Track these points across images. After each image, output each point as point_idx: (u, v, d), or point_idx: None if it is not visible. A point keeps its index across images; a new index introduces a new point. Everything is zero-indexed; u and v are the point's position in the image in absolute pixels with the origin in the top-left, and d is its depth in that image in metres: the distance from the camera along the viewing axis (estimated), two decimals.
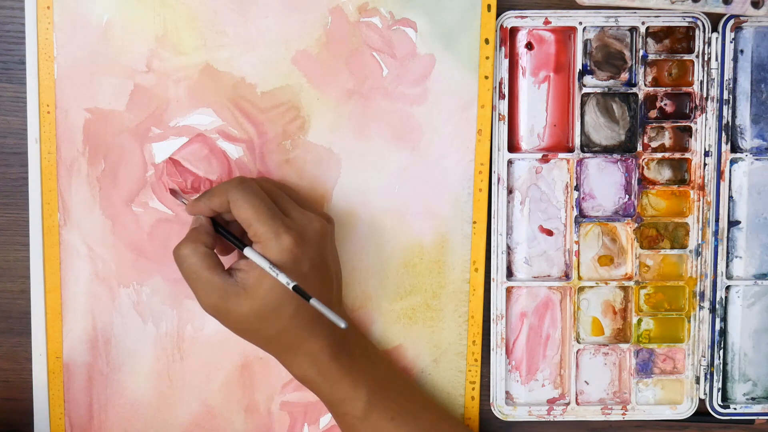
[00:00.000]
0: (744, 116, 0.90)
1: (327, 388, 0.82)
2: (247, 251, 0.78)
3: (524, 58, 0.89)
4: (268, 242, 0.78)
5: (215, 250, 0.81)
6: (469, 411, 0.91)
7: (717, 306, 0.90)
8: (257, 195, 0.79)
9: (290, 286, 0.76)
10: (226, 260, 0.84)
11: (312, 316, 0.80)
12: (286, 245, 0.78)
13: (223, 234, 0.81)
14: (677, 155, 0.89)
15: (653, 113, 0.89)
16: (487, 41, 0.86)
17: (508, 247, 0.90)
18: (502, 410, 0.91)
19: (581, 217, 0.90)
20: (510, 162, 0.89)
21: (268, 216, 0.78)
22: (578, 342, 0.91)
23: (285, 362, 0.83)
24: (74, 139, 0.85)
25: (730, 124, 0.89)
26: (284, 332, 0.80)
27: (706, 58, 0.88)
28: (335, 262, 0.84)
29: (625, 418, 0.92)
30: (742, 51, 0.89)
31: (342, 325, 0.74)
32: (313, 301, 0.76)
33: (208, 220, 0.81)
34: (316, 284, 0.80)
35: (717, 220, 0.89)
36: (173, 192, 0.86)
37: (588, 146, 0.89)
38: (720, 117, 0.89)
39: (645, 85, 0.88)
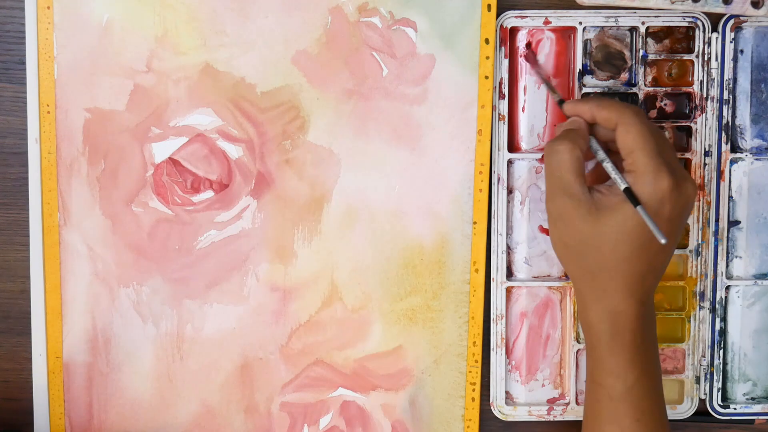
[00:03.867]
0: (744, 116, 0.90)
1: (605, 352, 0.79)
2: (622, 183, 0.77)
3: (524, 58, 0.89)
4: (644, 175, 0.76)
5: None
6: (470, 412, 0.91)
7: (717, 306, 0.90)
8: (651, 127, 0.77)
9: (622, 187, 0.75)
10: None
11: (640, 273, 0.77)
12: (663, 186, 0.75)
13: (611, 174, 0.79)
14: (677, 155, 0.89)
15: (653, 113, 0.89)
16: (487, 41, 0.86)
17: (508, 247, 0.90)
18: (502, 410, 0.91)
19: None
20: (510, 162, 0.89)
21: (654, 150, 0.76)
22: (578, 342, 0.91)
23: (584, 303, 0.80)
24: (74, 139, 0.86)
25: (730, 124, 0.89)
26: (606, 272, 0.78)
27: (706, 58, 0.88)
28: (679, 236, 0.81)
29: None
30: (742, 51, 0.89)
31: (663, 240, 0.72)
32: (640, 209, 0.74)
33: (587, 127, 0.80)
34: (657, 248, 0.77)
35: (717, 220, 0.89)
36: (529, 58, 0.85)
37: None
38: (720, 117, 0.89)
39: (645, 85, 0.88)
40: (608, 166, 0.78)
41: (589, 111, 0.80)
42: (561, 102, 0.84)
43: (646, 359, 0.80)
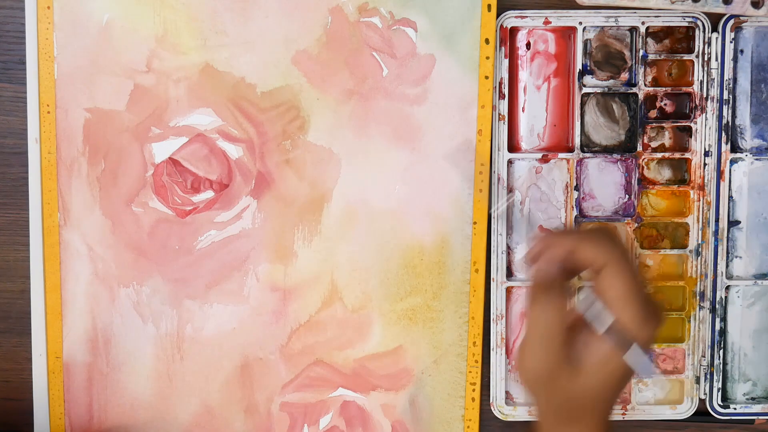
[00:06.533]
0: (744, 116, 0.90)
1: None
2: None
3: (524, 58, 0.89)
4: (633, 324, 0.69)
5: None
6: (470, 412, 0.91)
7: (717, 306, 0.90)
8: (634, 268, 0.70)
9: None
10: None
11: (612, 406, 0.73)
12: (650, 332, 0.69)
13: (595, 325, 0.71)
14: (677, 155, 0.89)
15: (653, 113, 0.89)
16: (487, 41, 0.86)
17: (508, 247, 0.90)
18: (502, 410, 0.91)
19: (581, 217, 0.90)
20: (510, 162, 0.89)
21: (642, 299, 0.69)
22: None
23: (550, 429, 0.75)
24: (74, 139, 0.86)
25: (730, 124, 0.89)
26: (583, 413, 0.72)
27: (706, 58, 0.88)
28: None
29: (625, 418, 0.91)
30: (742, 51, 0.89)
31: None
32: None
33: (561, 273, 0.71)
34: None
35: (717, 220, 0.89)
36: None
37: (588, 146, 0.90)
38: (720, 117, 0.89)
39: (645, 85, 0.88)
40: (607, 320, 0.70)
41: (570, 246, 0.71)
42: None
43: None
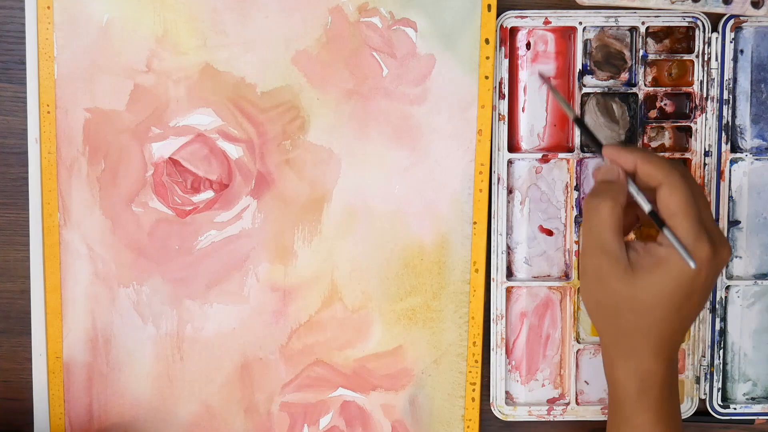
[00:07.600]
0: (744, 116, 0.90)
1: (631, 410, 0.78)
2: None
3: (524, 58, 0.89)
4: (685, 241, 0.74)
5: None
6: (470, 412, 0.91)
7: (717, 306, 0.90)
8: (695, 190, 0.75)
9: (647, 209, 0.74)
10: None
11: (671, 333, 0.77)
12: (702, 254, 0.73)
13: (636, 198, 0.77)
14: (677, 155, 0.89)
15: (653, 113, 0.89)
16: (487, 41, 0.86)
17: (508, 247, 0.90)
18: (502, 410, 0.91)
19: (581, 217, 0.90)
20: (510, 162, 0.89)
21: (697, 216, 0.74)
22: (578, 342, 0.91)
23: (611, 359, 0.79)
24: (74, 139, 0.86)
25: (730, 124, 0.89)
26: (638, 333, 0.76)
27: (706, 58, 0.88)
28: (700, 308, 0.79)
29: None
30: (742, 51, 0.89)
31: (692, 264, 0.72)
32: (666, 232, 0.73)
33: (626, 179, 0.77)
34: (690, 310, 0.76)
35: (717, 220, 0.89)
36: (545, 77, 0.82)
37: (588, 146, 0.89)
38: (720, 117, 0.89)
39: (645, 85, 0.88)
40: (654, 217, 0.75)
41: (632, 162, 0.77)
42: (599, 145, 0.79)
43: (672, 415, 0.79)
